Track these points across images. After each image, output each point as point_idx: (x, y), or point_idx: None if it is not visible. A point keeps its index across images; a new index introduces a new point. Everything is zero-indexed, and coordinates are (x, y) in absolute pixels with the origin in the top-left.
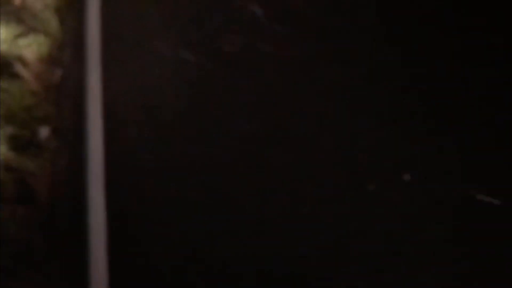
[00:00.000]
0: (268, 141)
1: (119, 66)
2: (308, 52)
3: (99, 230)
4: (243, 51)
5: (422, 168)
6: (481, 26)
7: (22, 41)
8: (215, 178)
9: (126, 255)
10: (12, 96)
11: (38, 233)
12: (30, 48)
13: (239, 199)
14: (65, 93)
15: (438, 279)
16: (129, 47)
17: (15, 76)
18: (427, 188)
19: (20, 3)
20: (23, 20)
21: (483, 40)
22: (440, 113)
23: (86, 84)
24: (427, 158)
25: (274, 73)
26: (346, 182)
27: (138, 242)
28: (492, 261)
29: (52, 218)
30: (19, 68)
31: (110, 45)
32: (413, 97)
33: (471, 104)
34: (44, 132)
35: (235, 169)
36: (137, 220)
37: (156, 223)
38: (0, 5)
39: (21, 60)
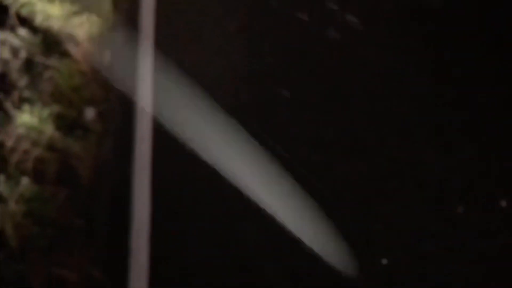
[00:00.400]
0: (349, 153)
1: (171, 50)
2: (394, 60)
3: (142, 218)
4: (310, 44)
5: None
6: None
7: (75, 20)
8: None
9: (168, 244)
10: (61, 74)
11: (79, 216)
12: (82, 27)
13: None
14: (114, 75)
15: None
16: (183, 32)
17: (65, 54)
18: None
19: None
20: None
21: None
22: None
23: (137, 68)
24: None
25: (354, 81)
26: (434, 202)
27: (181, 233)
28: None
29: (93, 202)
30: (70, 47)
31: (163, 29)
32: None
33: None
34: (90, 113)
35: (301, 176)
36: (182, 210)
37: (202, 214)
38: None
39: (72, 39)
